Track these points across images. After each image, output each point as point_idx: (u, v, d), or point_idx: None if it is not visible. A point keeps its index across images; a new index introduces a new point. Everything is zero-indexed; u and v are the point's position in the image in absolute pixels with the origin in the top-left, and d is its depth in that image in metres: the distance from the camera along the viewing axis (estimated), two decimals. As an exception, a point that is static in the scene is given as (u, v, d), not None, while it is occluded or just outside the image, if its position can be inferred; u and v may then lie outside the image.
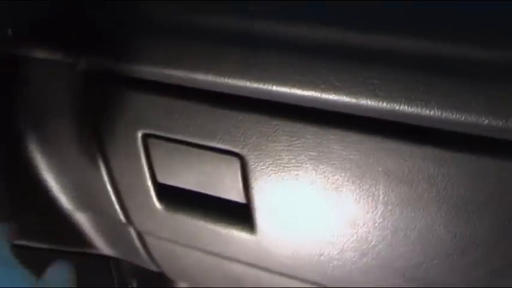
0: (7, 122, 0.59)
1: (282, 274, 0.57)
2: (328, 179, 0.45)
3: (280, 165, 0.46)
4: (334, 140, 0.43)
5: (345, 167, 0.43)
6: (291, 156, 0.45)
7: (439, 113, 0.37)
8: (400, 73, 0.37)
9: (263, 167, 0.47)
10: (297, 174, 0.46)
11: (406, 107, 0.38)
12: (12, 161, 0.62)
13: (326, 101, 0.40)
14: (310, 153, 0.44)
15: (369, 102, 0.39)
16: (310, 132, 0.43)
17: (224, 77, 0.43)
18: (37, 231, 0.71)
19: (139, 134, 0.52)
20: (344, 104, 0.40)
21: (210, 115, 0.46)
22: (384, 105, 0.38)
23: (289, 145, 0.44)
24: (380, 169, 0.42)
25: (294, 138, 0.44)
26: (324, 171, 0.44)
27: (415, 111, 0.38)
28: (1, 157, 0.62)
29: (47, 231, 0.71)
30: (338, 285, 0.53)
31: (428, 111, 0.37)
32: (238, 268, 0.61)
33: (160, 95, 0.49)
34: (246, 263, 0.59)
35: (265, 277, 0.59)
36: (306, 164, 0.45)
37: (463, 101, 0.36)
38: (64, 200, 0.66)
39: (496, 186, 0.39)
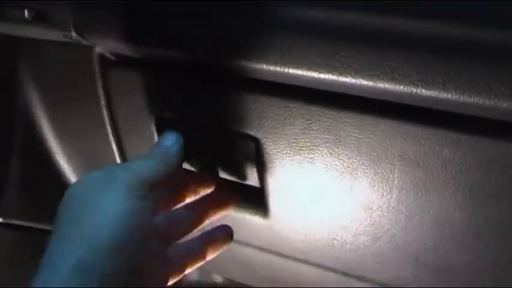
0: (22, 106, 0.59)
1: (294, 259, 0.57)
2: (344, 162, 0.45)
3: (295, 149, 0.46)
4: (350, 123, 0.43)
5: (360, 150, 0.43)
6: (306, 140, 0.45)
7: (457, 97, 0.37)
8: (418, 56, 0.37)
9: (278, 151, 0.47)
10: (312, 158, 0.46)
11: (423, 90, 0.38)
12: (27, 146, 0.63)
13: (343, 84, 0.40)
14: (326, 136, 0.44)
15: (386, 86, 0.39)
16: (326, 116, 0.43)
17: (241, 60, 0.43)
18: (49, 214, 0.71)
19: (154, 117, 0.52)
20: (361, 88, 0.40)
21: (225, 98, 0.47)
22: (401, 88, 0.38)
23: (305, 128, 0.45)
24: (396, 153, 0.42)
25: (310, 122, 0.44)
26: (339, 155, 0.45)
27: (433, 95, 0.38)
28: (16, 142, 0.63)
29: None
30: (350, 269, 0.53)
31: (446, 95, 0.37)
32: (249, 252, 0.61)
33: (175, 78, 0.49)
34: (257, 247, 0.59)
35: (277, 261, 0.60)
36: (321, 148, 0.45)
37: (482, 85, 0.36)
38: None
39: (512, 169, 0.39)
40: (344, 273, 0.54)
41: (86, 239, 0.33)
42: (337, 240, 0.51)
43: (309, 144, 0.45)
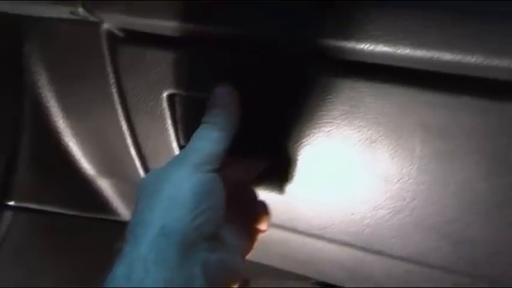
0: (30, 86, 0.58)
1: (311, 235, 0.56)
2: (362, 134, 0.44)
3: (311, 121, 0.45)
4: (368, 93, 0.42)
5: (379, 121, 0.42)
6: (323, 111, 0.44)
7: (480, 60, 0.36)
8: (439, 19, 0.36)
9: (290, 123, 0.46)
10: (329, 131, 0.45)
11: (445, 54, 0.37)
12: (36, 127, 0.62)
13: (362, 52, 0.39)
14: (343, 107, 0.43)
15: (407, 51, 0.38)
16: (343, 86, 0.42)
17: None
18: (59, 197, 0.70)
19: (165, 94, 0.51)
20: (381, 54, 0.39)
21: (240, 71, 0.46)
22: (422, 53, 0.37)
23: (321, 99, 0.43)
24: (417, 122, 0.41)
25: (326, 93, 0.43)
26: (357, 126, 0.43)
27: (455, 59, 0.36)
28: (25, 122, 0.62)
29: (69, 197, 0.71)
30: (369, 244, 0.52)
31: (469, 58, 0.36)
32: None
33: (187, 53, 0.47)
34: (273, 225, 0.58)
35: (294, 239, 0.59)
36: (338, 120, 0.44)
37: (505, 46, 0.35)
38: (87, 166, 0.65)
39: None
40: (362, 249, 0.53)
41: (165, 209, 0.36)
42: (356, 215, 0.50)
43: (325, 116, 0.44)
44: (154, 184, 0.38)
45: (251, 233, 0.47)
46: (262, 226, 0.47)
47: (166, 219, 0.36)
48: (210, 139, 0.41)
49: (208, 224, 0.37)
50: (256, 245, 0.48)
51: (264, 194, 0.52)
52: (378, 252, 0.53)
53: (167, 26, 0.46)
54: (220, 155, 0.40)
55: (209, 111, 0.43)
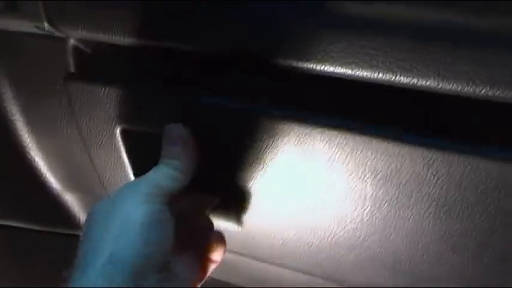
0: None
1: (271, 263, 0.56)
2: (315, 176, 0.44)
3: (265, 162, 0.45)
4: (320, 139, 0.42)
5: (331, 165, 0.43)
6: (273, 156, 0.44)
7: (436, 83, 0.36)
8: (397, 42, 0.37)
9: (248, 164, 0.47)
10: (283, 171, 0.45)
11: (402, 77, 0.37)
12: (1, 141, 0.61)
13: (321, 73, 0.40)
14: (294, 151, 0.43)
15: (365, 73, 0.38)
16: (294, 131, 0.42)
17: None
18: (25, 211, 0.69)
19: (118, 129, 0.50)
20: (339, 75, 0.39)
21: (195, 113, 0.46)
22: (379, 75, 0.38)
23: (273, 143, 0.44)
24: (367, 168, 0.41)
25: (277, 136, 0.43)
26: (309, 169, 0.44)
27: (412, 82, 0.37)
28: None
29: (35, 212, 0.70)
30: (329, 274, 0.52)
31: (425, 82, 0.37)
32: (228, 255, 0.60)
33: (141, 92, 0.47)
34: (235, 252, 0.58)
35: (256, 265, 0.58)
36: (289, 162, 0.44)
37: (461, 71, 0.35)
38: (52, 180, 0.65)
39: (485, 185, 0.38)
40: (323, 277, 0.53)
41: (115, 237, 0.37)
42: (313, 248, 0.49)
43: (276, 158, 0.45)
44: (106, 212, 0.39)
45: (204, 264, 0.47)
46: (216, 256, 0.47)
47: (116, 247, 0.36)
48: (167, 176, 0.41)
49: (158, 254, 0.37)
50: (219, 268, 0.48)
51: (223, 225, 0.52)
52: (339, 281, 0.53)
53: (134, 41, 0.46)
54: (174, 191, 0.41)
55: (166, 152, 0.43)
